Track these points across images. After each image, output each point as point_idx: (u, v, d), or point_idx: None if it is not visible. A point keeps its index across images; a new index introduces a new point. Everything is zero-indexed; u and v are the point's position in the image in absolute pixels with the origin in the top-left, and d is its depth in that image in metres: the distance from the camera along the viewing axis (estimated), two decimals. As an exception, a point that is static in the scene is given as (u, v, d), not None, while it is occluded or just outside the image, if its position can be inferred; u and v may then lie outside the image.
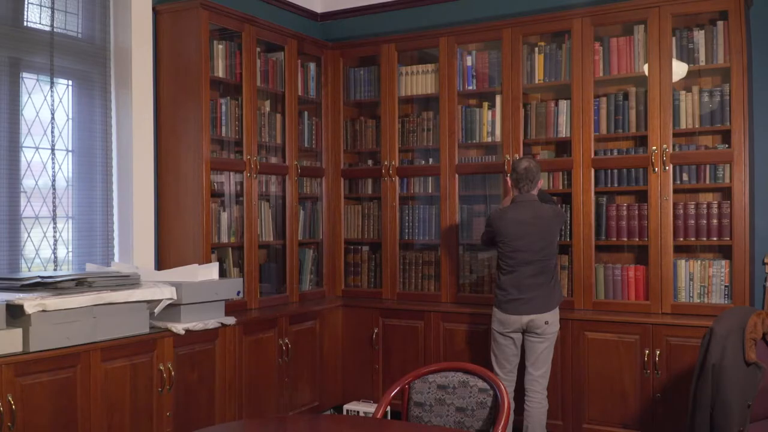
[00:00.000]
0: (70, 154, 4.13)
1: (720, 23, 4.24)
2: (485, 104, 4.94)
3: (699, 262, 4.31)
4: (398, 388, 2.91)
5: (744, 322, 3.22)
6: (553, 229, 4.00)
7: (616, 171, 4.49)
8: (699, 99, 4.33)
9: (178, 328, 3.71)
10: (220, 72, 4.54)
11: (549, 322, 3.93)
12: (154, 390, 3.61)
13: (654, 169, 4.34)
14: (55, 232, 4.02)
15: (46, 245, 3.98)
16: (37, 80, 3.95)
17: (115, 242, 4.31)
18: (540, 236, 3.95)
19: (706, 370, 3.16)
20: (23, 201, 3.87)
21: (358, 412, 4.83)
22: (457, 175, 4.96)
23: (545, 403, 3.98)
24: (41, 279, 3.33)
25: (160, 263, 4.42)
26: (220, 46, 4.54)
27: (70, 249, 4.11)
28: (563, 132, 4.67)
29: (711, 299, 4.26)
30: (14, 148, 3.83)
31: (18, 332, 3.06)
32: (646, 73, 4.38)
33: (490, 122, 4.92)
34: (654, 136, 4.35)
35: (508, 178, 4.12)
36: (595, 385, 4.29)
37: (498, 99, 4.85)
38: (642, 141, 4.47)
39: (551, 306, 3.96)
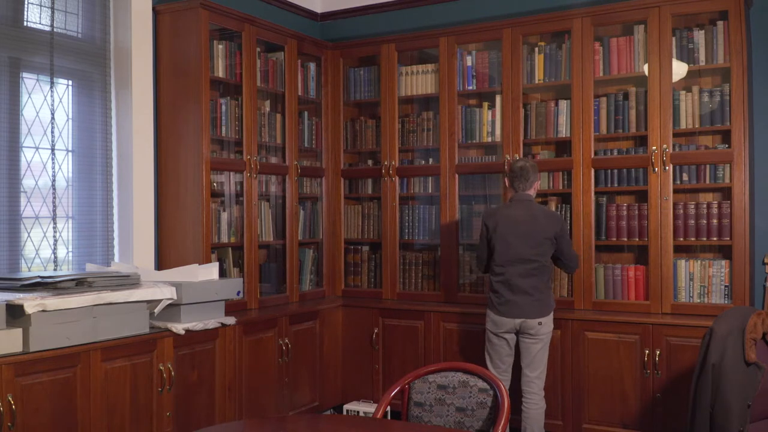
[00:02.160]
0: (70, 154, 4.13)
1: (720, 23, 4.24)
2: (485, 104, 4.94)
3: (699, 262, 4.31)
4: (398, 388, 2.91)
5: (744, 322, 3.22)
6: (547, 229, 3.96)
7: (616, 171, 4.50)
8: (699, 99, 4.33)
9: (178, 328, 3.71)
10: (220, 72, 4.54)
11: (542, 323, 3.93)
12: (154, 390, 3.61)
13: (654, 169, 4.34)
14: (55, 232, 4.02)
15: (46, 245, 3.98)
16: (37, 80, 3.96)
17: (115, 242, 4.32)
18: (533, 235, 3.94)
19: (706, 370, 3.16)
20: (23, 201, 3.87)
21: (358, 412, 4.83)
22: (457, 175, 4.96)
23: (542, 404, 3.98)
24: (41, 279, 3.33)
25: (160, 263, 4.43)
26: (220, 46, 4.54)
27: (70, 249, 4.11)
28: (563, 132, 4.67)
29: (711, 299, 4.27)
30: (14, 148, 3.83)
31: (18, 332, 3.05)
32: (646, 73, 4.38)
33: (490, 122, 4.92)
34: (654, 136, 4.35)
35: (506, 179, 4.14)
36: (595, 385, 4.30)
37: (498, 99, 4.85)
38: (642, 141, 4.47)
39: (544, 312, 3.95)
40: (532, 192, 4.07)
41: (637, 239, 4.45)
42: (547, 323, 3.96)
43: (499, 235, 3.99)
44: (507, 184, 4.13)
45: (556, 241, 4.00)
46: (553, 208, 4.64)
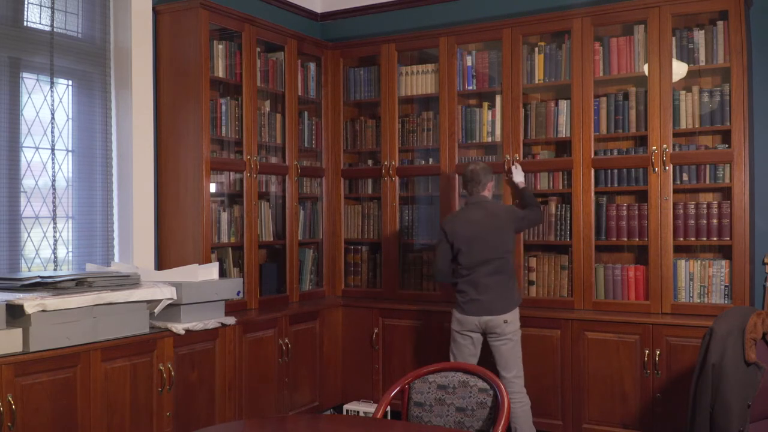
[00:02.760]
0: (70, 154, 4.13)
1: (720, 23, 4.24)
2: (485, 104, 4.94)
3: (699, 262, 4.31)
4: (398, 388, 2.91)
5: (744, 322, 3.22)
6: (507, 226, 4.04)
7: (616, 171, 4.50)
8: (699, 99, 4.33)
9: (178, 328, 3.71)
10: (220, 72, 4.54)
11: (508, 321, 3.97)
12: (154, 390, 3.61)
13: (654, 169, 4.34)
14: (55, 232, 4.02)
15: (46, 245, 3.98)
16: (37, 80, 3.95)
17: (115, 242, 4.32)
18: (494, 234, 4.00)
19: (706, 370, 3.16)
20: (23, 201, 3.87)
21: (358, 412, 4.83)
22: (456, 176, 4.96)
23: (527, 401, 4.01)
24: (41, 279, 3.33)
25: (160, 263, 4.43)
26: (220, 46, 4.54)
27: (70, 249, 4.11)
28: (563, 132, 4.67)
29: (711, 299, 4.27)
30: (14, 148, 3.83)
31: (18, 332, 3.06)
32: (646, 73, 4.38)
33: (490, 122, 4.92)
34: (654, 136, 4.35)
35: (462, 183, 4.21)
36: (595, 385, 4.29)
37: (498, 99, 4.85)
38: (642, 141, 4.47)
39: (510, 307, 4.00)
40: (487, 193, 4.14)
41: (637, 239, 4.45)
42: (513, 321, 3.99)
43: (461, 240, 4.03)
44: (462, 188, 4.17)
45: (517, 228, 4.13)
46: (553, 208, 4.65)
